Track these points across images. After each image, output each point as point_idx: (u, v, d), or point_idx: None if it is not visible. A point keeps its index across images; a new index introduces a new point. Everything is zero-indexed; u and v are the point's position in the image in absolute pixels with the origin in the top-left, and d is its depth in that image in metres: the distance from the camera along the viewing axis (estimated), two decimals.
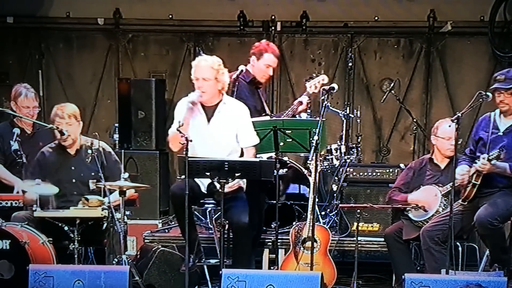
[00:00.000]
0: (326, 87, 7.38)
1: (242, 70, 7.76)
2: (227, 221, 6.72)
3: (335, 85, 7.43)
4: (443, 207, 7.04)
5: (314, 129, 6.93)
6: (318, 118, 7.08)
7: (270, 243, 7.53)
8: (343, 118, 8.30)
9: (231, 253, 6.91)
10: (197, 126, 6.95)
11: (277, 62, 7.75)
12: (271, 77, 7.79)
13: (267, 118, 7.44)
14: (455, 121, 6.57)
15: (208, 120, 7.04)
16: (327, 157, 8.08)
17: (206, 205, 7.19)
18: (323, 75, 7.91)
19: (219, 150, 6.96)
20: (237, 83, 7.67)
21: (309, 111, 7.89)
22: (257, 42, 7.91)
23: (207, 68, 6.94)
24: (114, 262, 6.78)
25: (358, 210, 7.33)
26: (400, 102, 8.96)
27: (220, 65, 6.99)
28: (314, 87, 7.73)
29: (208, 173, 6.65)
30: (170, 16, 9.70)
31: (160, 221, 8.52)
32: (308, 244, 7.06)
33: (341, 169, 7.99)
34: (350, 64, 9.29)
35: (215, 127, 7.03)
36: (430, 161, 7.38)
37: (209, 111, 7.05)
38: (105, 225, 6.87)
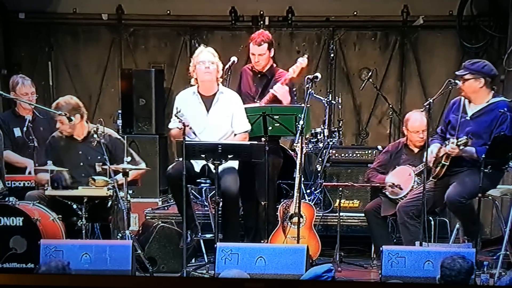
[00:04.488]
0: (311, 76, 7.31)
1: (234, 61, 7.65)
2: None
3: (318, 74, 7.39)
4: (417, 185, 7.00)
5: (299, 115, 6.88)
6: (303, 105, 7.05)
7: None
8: (325, 104, 8.23)
9: (221, 222, 6.76)
10: (197, 117, 6.86)
11: (266, 47, 7.32)
12: (269, 62, 7.50)
13: (257, 104, 7.35)
14: (427, 106, 6.55)
15: (207, 110, 6.96)
16: (312, 140, 8.03)
17: (202, 184, 7.11)
18: (301, 58, 7.43)
19: (218, 137, 6.87)
20: (229, 73, 7.58)
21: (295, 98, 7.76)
22: (247, 35, 7.76)
23: (211, 53, 6.93)
24: (118, 237, 6.76)
25: (340, 188, 7.38)
26: (377, 90, 8.92)
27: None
28: (293, 71, 7.32)
29: (203, 155, 6.59)
30: (168, 12, 9.60)
31: (160, 199, 8.45)
32: (295, 219, 7.01)
33: (324, 151, 7.93)
34: (331, 55, 9.22)
35: (214, 116, 6.95)
36: (405, 146, 7.34)
37: (208, 101, 6.96)
38: (110, 203, 6.84)
